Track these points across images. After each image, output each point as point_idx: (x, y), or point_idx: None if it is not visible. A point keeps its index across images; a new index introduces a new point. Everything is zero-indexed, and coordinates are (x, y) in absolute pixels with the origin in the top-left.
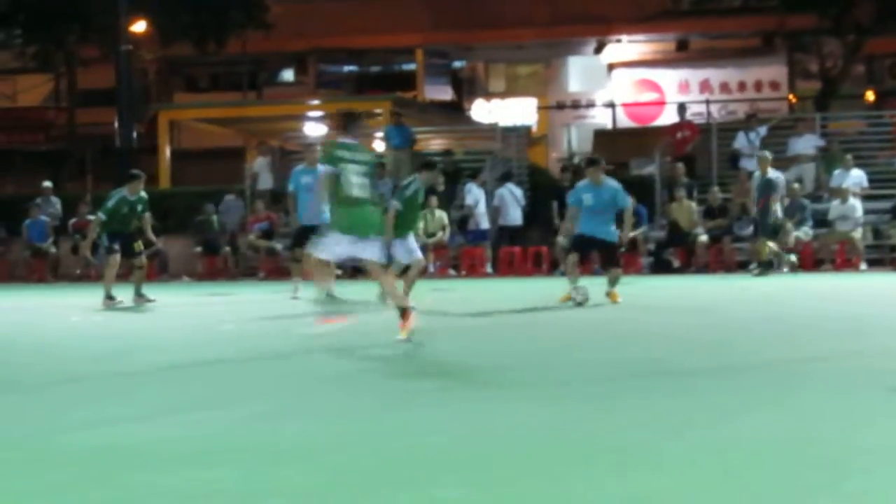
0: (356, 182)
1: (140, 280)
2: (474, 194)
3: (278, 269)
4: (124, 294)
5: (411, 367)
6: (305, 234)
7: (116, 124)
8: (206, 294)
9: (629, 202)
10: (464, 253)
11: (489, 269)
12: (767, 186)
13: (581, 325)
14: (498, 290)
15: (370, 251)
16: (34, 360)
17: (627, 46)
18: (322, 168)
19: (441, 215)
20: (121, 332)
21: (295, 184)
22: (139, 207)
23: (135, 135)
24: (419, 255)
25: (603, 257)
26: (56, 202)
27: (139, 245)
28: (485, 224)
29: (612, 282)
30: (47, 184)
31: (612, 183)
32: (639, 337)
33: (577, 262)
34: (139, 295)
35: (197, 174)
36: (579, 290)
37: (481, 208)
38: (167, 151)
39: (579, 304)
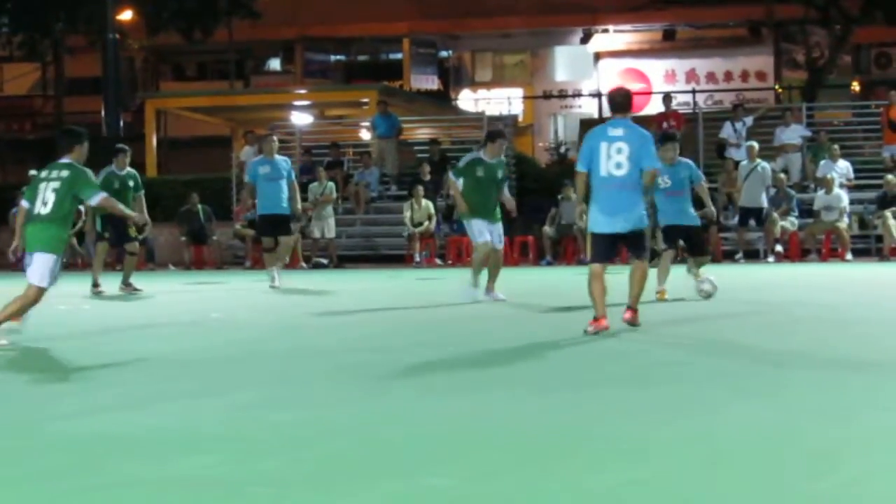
0: (42, 199)
1: (130, 268)
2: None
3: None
4: (114, 283)
5: (400, 358)
6: (267, 223)
7: (103, 113)
8: (193, 283)
9: (703, 176)
10: (450, 242)
11: None
12: None
13: (570, 316)
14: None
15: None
16: (22, 349)
17: (614, 36)
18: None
19: (427, 205)
20: (109, 322)
21: (253, 174)
22: (130, 183)
23: (122, 123)
24: (487, 238)
25: (688, 244)
26: None
27: (134, 230)
28: None
29: (698, 270)
30: (34, 172)
31: (685, 160)
32: (624, 327)
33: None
34: (126, 284)
35: (184, 163)
36: (707, 282)
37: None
38: (154, 140)
39: (709, 297)
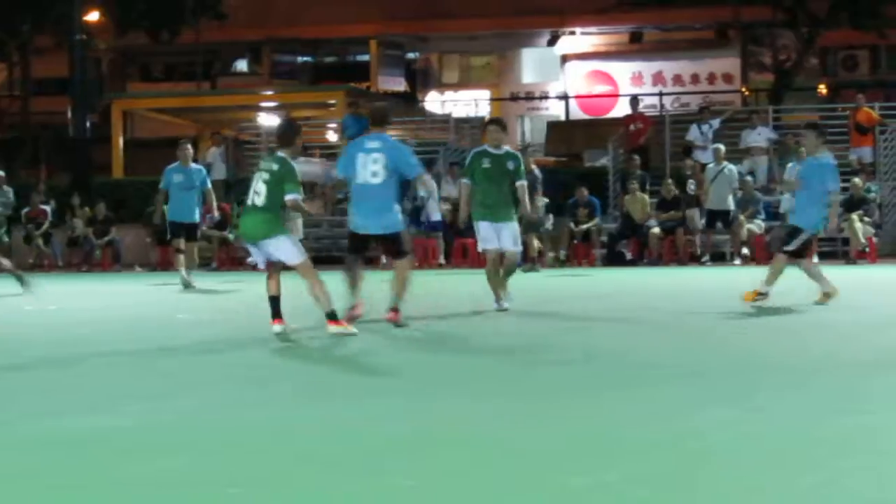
0: (254, 190)
1: None
2: (440, 186)
3: (231, 260)
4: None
5: (369, 360)
6: (176, 228)
7: (70, 114)
8: (159, 284)
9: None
10: (416, 244)
11: (442, 259)
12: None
13: (542, 318)
14: (452, 282)
15: (276, 253)
16: None
17: (581, 38)
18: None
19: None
20: (74, 322)
21: (166, 182)
22: None
23: (89, 124)
24: (493, 245)
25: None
26: (9, 191)
27: None
28: (437, 215)
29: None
30: (0, 173)
31: (819, 159)
32: (596, 329)
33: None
34: None
35: (150, 164)
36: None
37: (434, 199)
38: (121, 141)
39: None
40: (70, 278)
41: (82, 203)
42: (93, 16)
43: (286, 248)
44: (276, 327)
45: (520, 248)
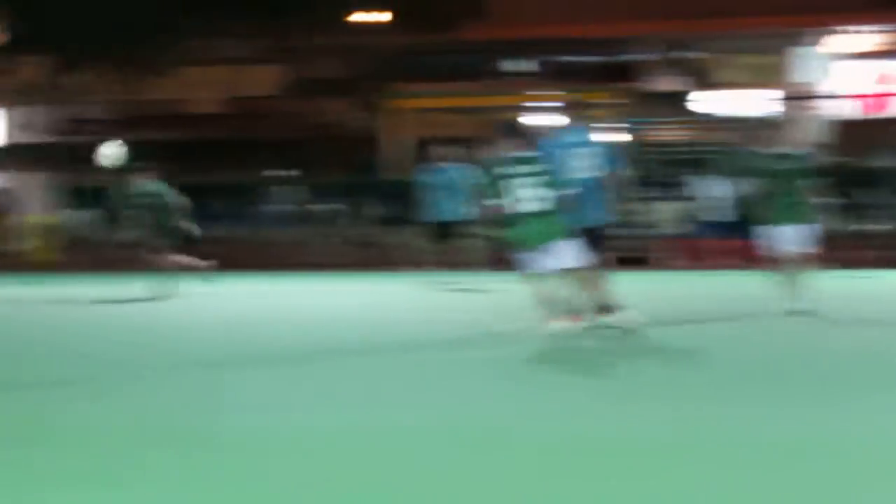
0: (523, 196)
1: None
2: (721, 186)
3: (502, 259)
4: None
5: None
6: (441, 227)
7: (345, 114)
8: (433, 283)
9: None
10: (712, 245)
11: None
12: None
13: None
14: (727, 283)
15: (562, 258)
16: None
17: (857, 37)
18: None
19: (667, 206)
20: (341, 322)
21: (432, 181)
22: None
23: (363, 124)
24: (796, 246)
25: None
26: (290, 190)
27: None
28: (730, 216)
29: None
30: (286, 172)
31: None
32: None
33: None
34: None
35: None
36: None
37: (727, 201)
38: (399, 140)
39: None
40: (348, 278)
41: (363, 203)
42: (369, 16)
43: (572, 250)
44: (556, 325)
45: (810, 249)
